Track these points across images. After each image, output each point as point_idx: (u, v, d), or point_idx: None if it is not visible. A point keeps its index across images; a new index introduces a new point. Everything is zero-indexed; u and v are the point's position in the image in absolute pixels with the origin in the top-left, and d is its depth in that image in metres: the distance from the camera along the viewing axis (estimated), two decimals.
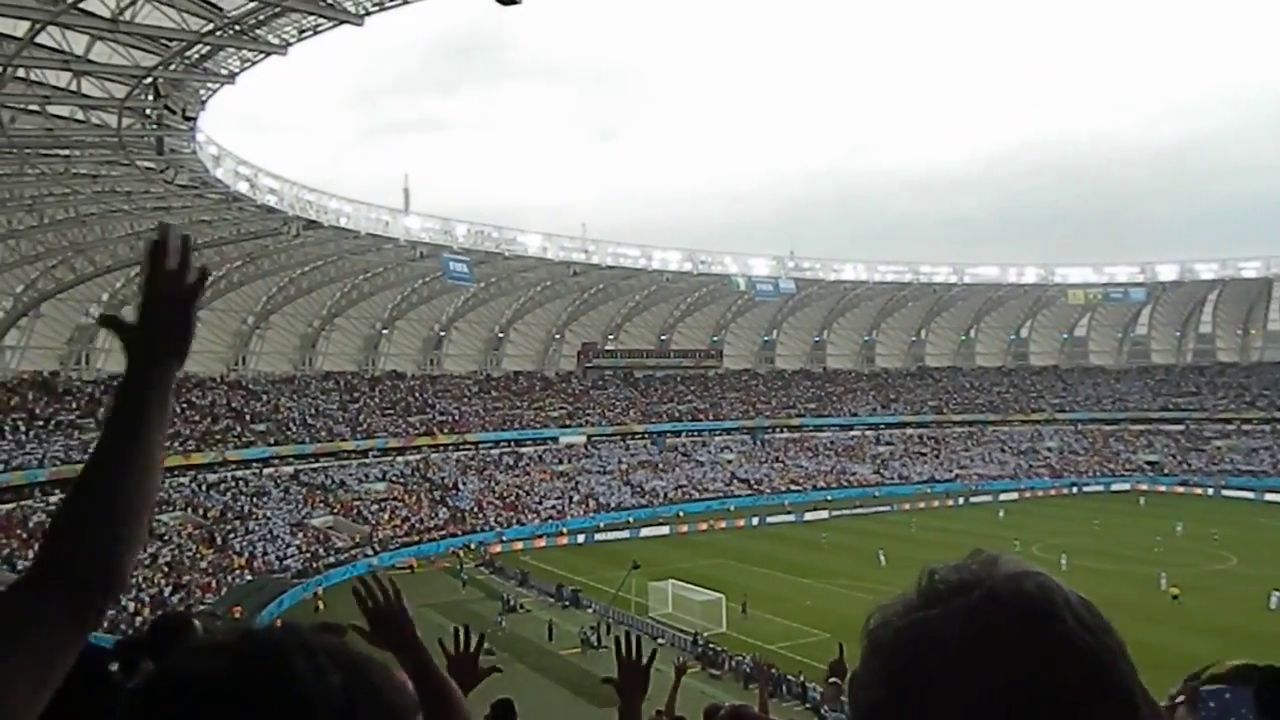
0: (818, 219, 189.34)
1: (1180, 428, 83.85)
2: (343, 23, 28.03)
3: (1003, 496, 71.41)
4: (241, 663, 0.80)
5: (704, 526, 60.51)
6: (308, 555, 48.50)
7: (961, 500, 70.14)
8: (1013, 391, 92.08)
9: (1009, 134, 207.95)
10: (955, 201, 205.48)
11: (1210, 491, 70.95)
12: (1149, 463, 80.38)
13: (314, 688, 0.79)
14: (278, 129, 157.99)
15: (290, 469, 58.65)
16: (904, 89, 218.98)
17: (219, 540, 47.09)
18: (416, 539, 54.49)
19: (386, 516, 56.25)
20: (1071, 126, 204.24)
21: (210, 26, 27.13)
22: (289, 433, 60.69)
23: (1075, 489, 75.28)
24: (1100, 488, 75.54)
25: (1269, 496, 66.31)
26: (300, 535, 50.75)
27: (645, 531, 59.23)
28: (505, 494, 63.47)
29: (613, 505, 65.60)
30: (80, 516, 1.22)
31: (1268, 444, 78.14)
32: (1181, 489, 73.35)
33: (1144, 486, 74.56)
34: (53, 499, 45.75)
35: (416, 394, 71.96)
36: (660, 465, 73.58)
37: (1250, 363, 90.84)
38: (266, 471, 57.11)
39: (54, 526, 1.22)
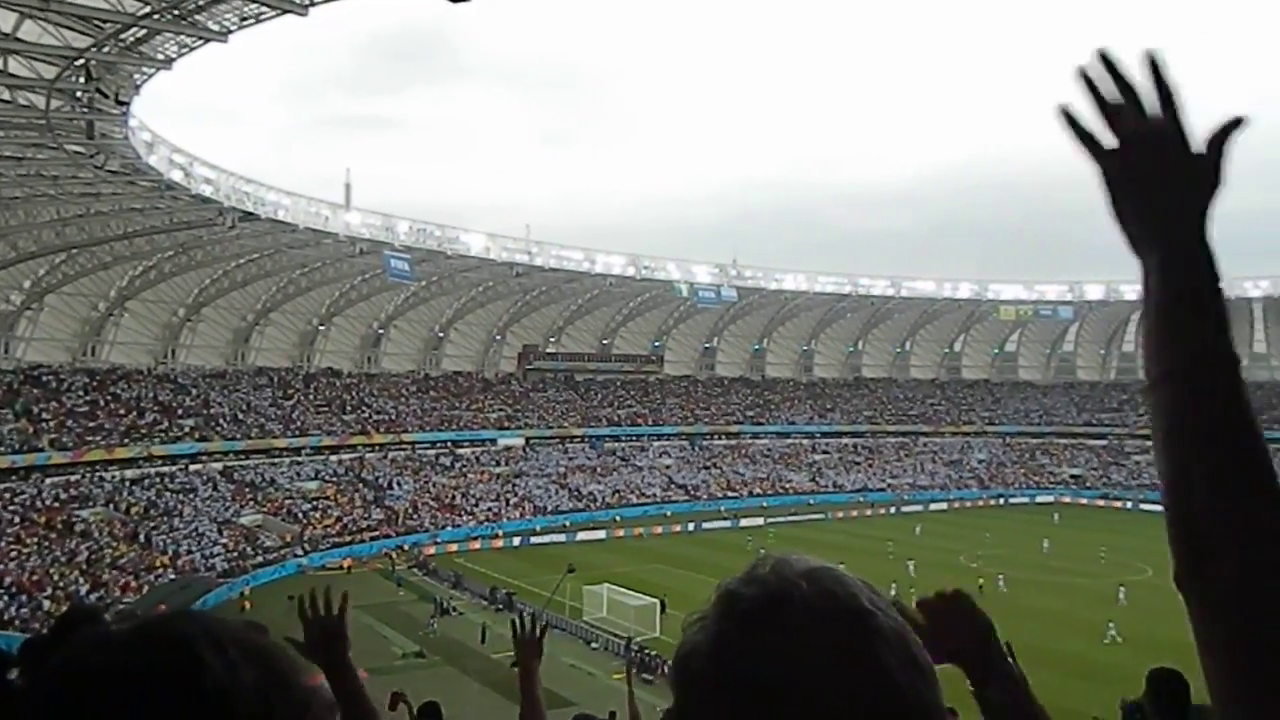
0: (760, 228, 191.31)
1: (1103, 443, 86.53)
2: (286, 11, 27.57)
3: (933, 506, 72.86)
4: (148, 657, 0.70)
5: (640, 531, 60.61)
6: (235, 554, 47.38)
7: (893, 509, 71.40)
8: (945, 404, 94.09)
9: (947, 152, 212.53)
10: (894, 216, 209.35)
11: (1129, 505, 73.29)
12: (1073, 476, 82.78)
13: (228, 684, 0.70)
14: (215, 119, 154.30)
15: (219, 465, 57.28)
16: (847, 104, 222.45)
17: (142, 538, 45.76)
18: (349, 539, 53.63)
19: (318, 516, 55.25)
20: (1005, 146, 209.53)
21: (147, 9, 26.45)
22: (219, 428, 59.26)
23: (1002, 500, 77.16)
24: (1026, 499, 77.53)
25: None
26: (228, 533, 49.58)
27: (582, 535, 59.08)
28: (441, 495, 62.82)
29: (550, 508, 65.34)
30: None
31: None
32: (1102, 502, 75.69)
33: (1067, 499, 76.74)
34: None
35: (352, 392, 70.84)
36: (598, 469, 73.53)
37: None
38: (194, 468, 55.69)
39: None
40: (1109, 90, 1.04)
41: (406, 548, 53.37)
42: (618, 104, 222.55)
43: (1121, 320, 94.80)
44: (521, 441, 73.43)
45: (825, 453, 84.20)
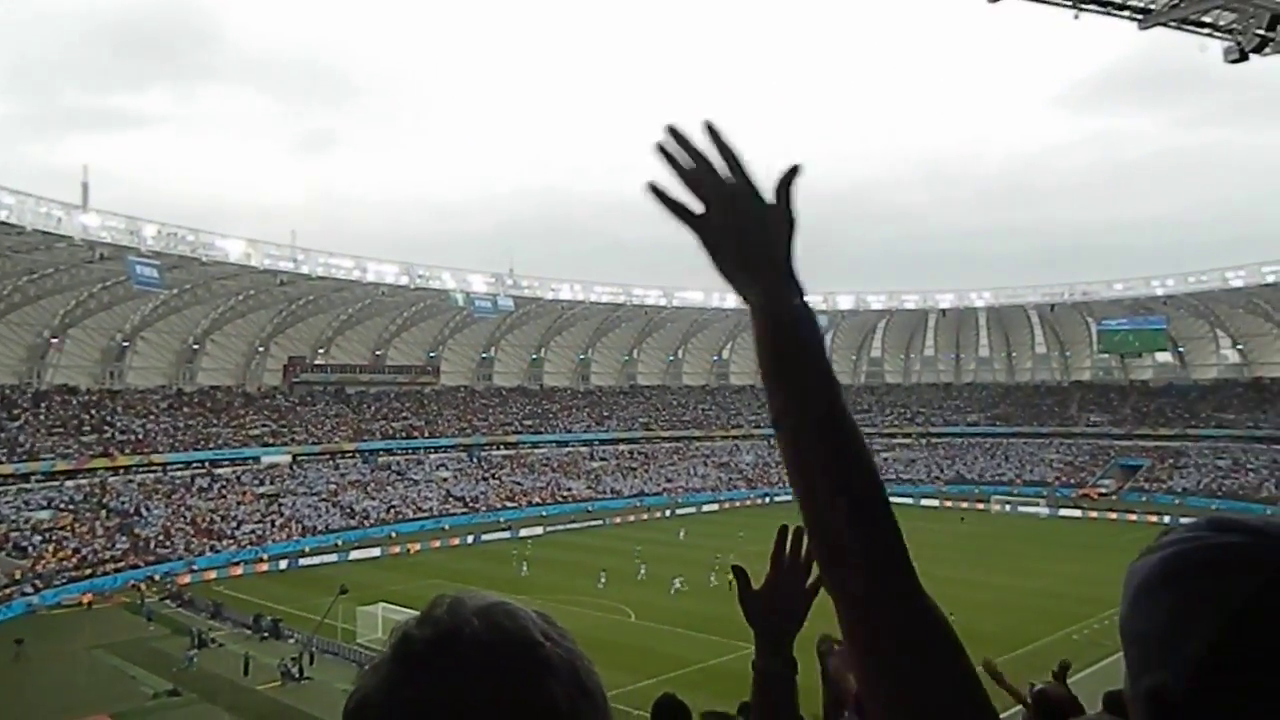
0: (534, 237, 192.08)
1: None
2: None
3: (705, 508, 76.11)
4: None
5: (417, 547, 59.27)
6: None
7: (669, 513, 73.91)
8: (715, 409, 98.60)
9: None
10: (663, 227, 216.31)
11: None
12: None
13: None
14: None
15: None
16: (612, 114, 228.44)
17: None
18: (89, 572, 48.83)
19: (51, 549, 49.93)
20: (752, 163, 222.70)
21: None
22: None
23: (768, 499, 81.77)
24: (789, 497, 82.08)
25: (924, 502, 75.88)
26: None
27: (355, 554, 56.92)
28: (197, 519, 58.48)
29: (320, 528, 62.44)
30: None
31: (923, 455, 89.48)
32: None
33: None
34: None
35: (92, 411, 64.58)
36: (371, 485, 71.11)
37: (911, 384, 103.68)
38: None
39: None
40: (685, 160, 1.15)
41: (157, 578, 49.42)
42: (382, 108, 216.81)
43: (869, 328, 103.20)
44: (288, 458, 69.77)
45: (603, 460, 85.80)
